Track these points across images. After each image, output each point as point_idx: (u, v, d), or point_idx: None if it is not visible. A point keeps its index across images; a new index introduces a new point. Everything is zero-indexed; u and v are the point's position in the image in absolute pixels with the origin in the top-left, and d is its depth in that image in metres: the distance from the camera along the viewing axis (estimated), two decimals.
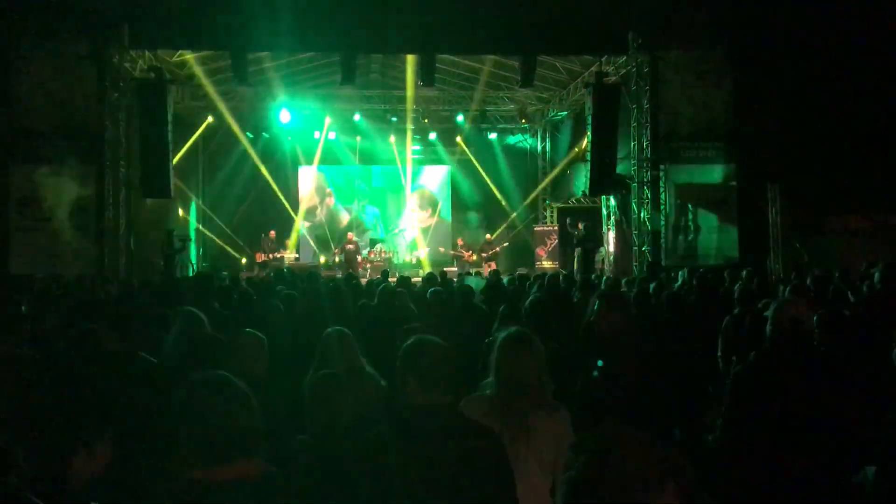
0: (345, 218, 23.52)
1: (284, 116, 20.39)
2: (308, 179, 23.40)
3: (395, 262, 21.69)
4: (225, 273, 16.71)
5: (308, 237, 23.01)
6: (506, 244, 21.62)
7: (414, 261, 22.76)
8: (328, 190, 23.44)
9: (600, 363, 4.06)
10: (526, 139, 24.16)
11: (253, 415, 2.22)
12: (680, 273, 11.38)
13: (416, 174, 23.95)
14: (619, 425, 1.48)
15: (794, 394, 3.32)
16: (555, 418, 3.18)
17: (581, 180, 20.01)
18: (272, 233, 20.17)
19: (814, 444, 3.23)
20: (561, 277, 10.41)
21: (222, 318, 6.20)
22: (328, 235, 22.59)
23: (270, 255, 19.67)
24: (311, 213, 23.35)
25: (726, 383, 3.68)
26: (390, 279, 12.01)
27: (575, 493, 1.39)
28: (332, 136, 22.57)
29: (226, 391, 2.22)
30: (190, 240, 18.67)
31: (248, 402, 2.23)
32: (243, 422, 2.18)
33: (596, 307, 4.57)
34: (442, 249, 22.34)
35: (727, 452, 3.48)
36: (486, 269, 18.28)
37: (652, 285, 8.52)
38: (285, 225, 22.42)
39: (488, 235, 21.33)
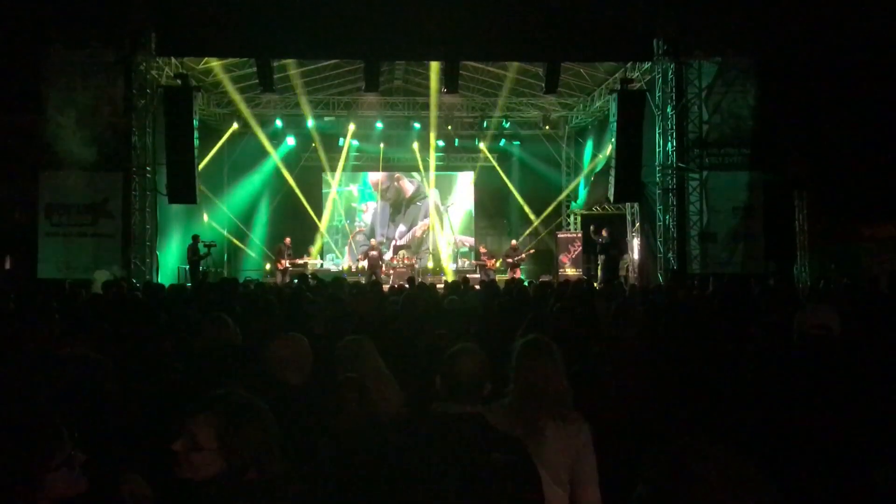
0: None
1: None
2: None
3: (419, 267, 21.73)
4: (249, 279, 16.83)
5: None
6: (532, 251, 21.46)
7: (437, 267, 22.79)
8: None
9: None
10: (549, 147, 24.08)
11: (264, 434, 2.24)
12: (710, 280, 11.26)
13: (449, 181, 24.41)
14: (695, 438, 1.39)
15: (821, 399, 3.29)
16: (570, 428, 3.11)
17: (605, 186, 19.91)
18: (287, 240, 20.33)
19: (841, 448, 3.21)
20: (584, 285, 10.37)
21: (250, 324, 6.21)
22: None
23: (287, 262, 19.80)
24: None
25: (751, 391, 3.63)
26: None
27: None
28: (354, 142, 22.69)
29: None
30: (215, 245, 18.82)
31: (260, 421, 2.26)
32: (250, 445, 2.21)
33: (611, 317, 4.54)
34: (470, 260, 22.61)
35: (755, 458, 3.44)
36: (509, 276, 18.22)
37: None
38: (309, 231, 22.53)
39: (514, 242, 21.20)
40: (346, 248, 23.47)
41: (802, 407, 3.34)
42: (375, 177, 24.10)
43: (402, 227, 24.09)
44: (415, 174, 24.05)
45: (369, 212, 24.29)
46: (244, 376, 3.92)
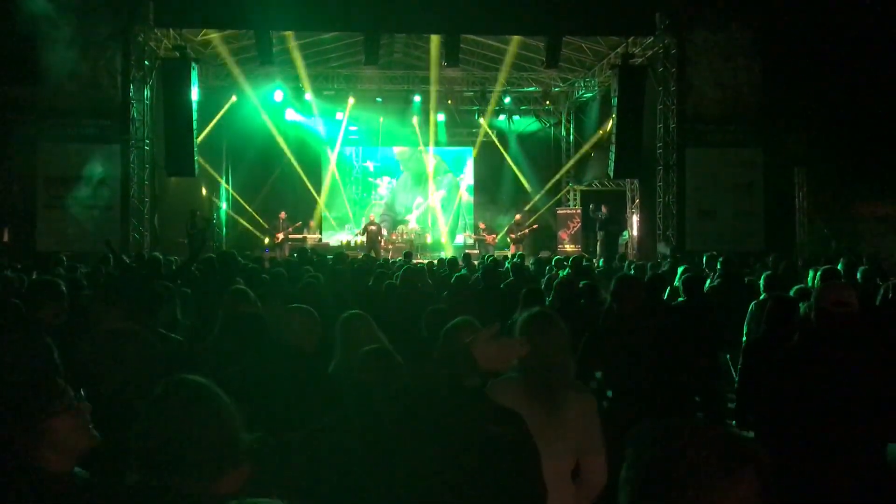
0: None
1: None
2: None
3: (417, 242, 21.71)
4: (248, 253, 16.82)
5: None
6: (535, 226, 21.24)
7: (435, 242, 22.79)
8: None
9: (598, 375, 4.03)
10: (549, 122, 23.98)
11: (226, 427, 2.11)
12: (704, 256, 11.20)
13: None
14: (681, 416, 1.37)
15: (842, 375, 3.30)
16: (581, 399, 3.15)
17: (605, 163, 19.81)
18: (282, 214, 20.36)
19: (863, 423, 3.22)
20: (583, 262, 10.38)
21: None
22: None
23: (282, 235, 19.88)
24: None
25: (770, 365, 3.63)
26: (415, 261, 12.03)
27: (640, 490, 1.29)
28: (353, 116, 22.59)
29: (196, 407, 2.11)
30: (212, 220, 18.77)
31: (221, 412, 2.13)
32: (213, 439, 2.07)
33: (612, 290, 4.55)
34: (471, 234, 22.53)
35: (771, 432, 3.45)
36: (512, 251, 18.20)
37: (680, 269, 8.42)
38: (308, 205, 22.48)
39: (518, 216, 21.03)
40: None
41: (823, 381, 3.34)
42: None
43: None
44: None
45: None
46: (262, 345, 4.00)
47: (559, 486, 2.99)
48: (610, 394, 3.90)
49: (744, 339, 6.10)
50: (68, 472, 2.19)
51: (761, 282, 6.69)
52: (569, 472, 3.08)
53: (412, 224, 22.95)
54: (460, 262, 11.19)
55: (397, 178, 24.32)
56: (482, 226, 21.22)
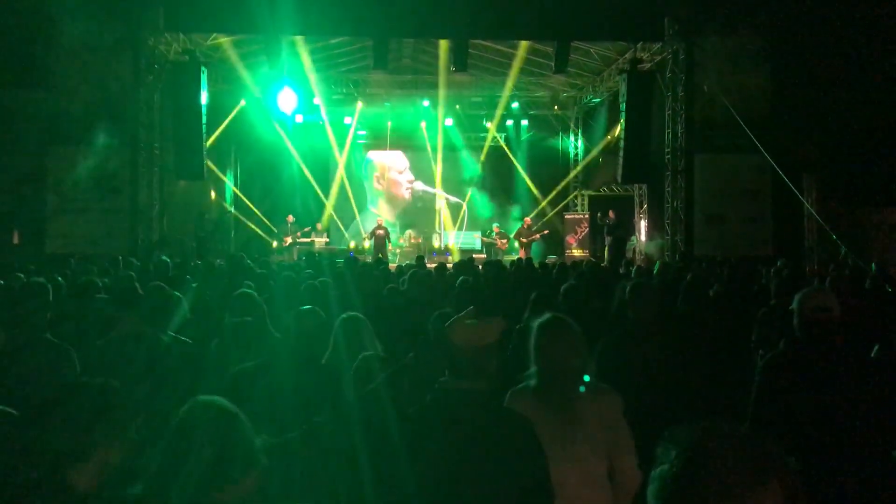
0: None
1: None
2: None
3: (424, 246, 21.69)
4: (256, 256, 16.85)
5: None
6: (546, 231, 21.18)
7: (443, 246, 22.75)
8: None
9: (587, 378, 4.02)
10: (558, 127, 23.96)
11: (244, 442, 2.15)
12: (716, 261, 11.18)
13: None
14: (714, 419, 1.37)
15: (824, 381, 3.31)
16: (600, 401, 3.16)
17: (613, 168, 19.79)
18: (290, 217, 20.39)
19: (844, 429, 3.22)
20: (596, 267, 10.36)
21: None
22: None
23: (290, 239, 19.93)
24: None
25: (756, 372, 3.65)
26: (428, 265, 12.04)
27: (668, 491, 1.29)
28: (362, 120, 22.63)
29: (212, 419, 2.15)
30: (221, 222, 18.81)
31: (236, 423, 2.16)
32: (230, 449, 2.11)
33: (626, 296, 4.54)
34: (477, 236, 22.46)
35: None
36: (521, 255, 18.20)
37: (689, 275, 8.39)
38: (316, 208, 22.49)
39: (527, 219, 21.01)
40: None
41: (805, 387, 3.35)
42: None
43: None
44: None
45: None
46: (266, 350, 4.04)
47: (587, 488, 3.02)
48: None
49: (752, 345, 6.09)
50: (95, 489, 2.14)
51: (772, 287, 6.67)
52: (597, 474, 3.08)
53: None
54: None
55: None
56: (496, 229, 21.21)
